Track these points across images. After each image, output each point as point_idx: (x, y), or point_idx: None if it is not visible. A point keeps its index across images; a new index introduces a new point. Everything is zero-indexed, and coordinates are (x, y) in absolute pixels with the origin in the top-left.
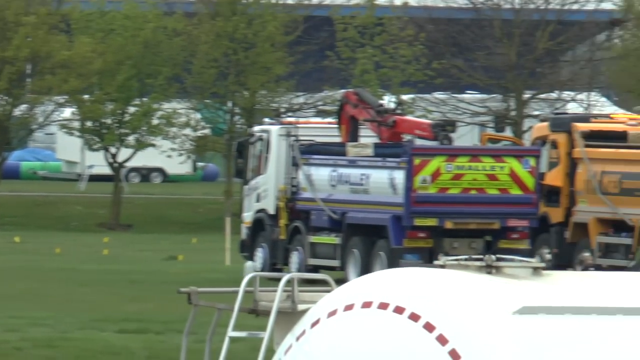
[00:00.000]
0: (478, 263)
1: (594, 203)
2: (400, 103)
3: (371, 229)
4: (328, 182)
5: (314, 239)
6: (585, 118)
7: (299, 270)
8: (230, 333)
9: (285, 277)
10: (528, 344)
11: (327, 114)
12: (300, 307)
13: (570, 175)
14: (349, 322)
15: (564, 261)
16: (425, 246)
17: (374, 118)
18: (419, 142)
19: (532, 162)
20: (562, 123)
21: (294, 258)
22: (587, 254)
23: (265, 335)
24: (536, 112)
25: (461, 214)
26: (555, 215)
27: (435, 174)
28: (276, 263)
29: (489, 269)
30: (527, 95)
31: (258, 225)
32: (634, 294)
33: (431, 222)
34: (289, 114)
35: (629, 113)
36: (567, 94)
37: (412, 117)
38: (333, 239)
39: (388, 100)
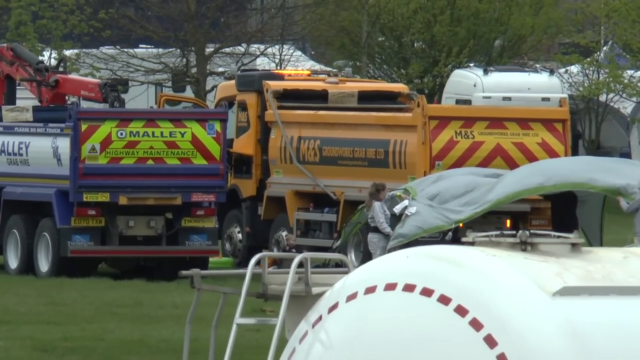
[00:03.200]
0: (511, 239)
1: (290, 173)
2: (62, 59)
3: (33, 206)
4: None
5: None
6: (277, 75)
7: None
8: (238, 320)
9: (298, 258)
10: (570, 328)
11: None
12: (315, 290)
13: (263, 142)
14: (371, 306)
15: (258, 241)
16: (96, 225)
17: (33, 77)
18: (85, 105)
19: (217, 126)
20: (251, 81)
21: None
22: (289, 234)
23: (278, 322)
24: (221, 69)
25: (137, 187)
26: (247, 188)
27: (106, 142)
28: None
29: (523, 245)
30: (209, 49)
31: None
32: None
33: (102, 197)
34: None
35: (329, 69)
36: (255, 47)
37: (77, 75)
38: None
39: (49, 57)
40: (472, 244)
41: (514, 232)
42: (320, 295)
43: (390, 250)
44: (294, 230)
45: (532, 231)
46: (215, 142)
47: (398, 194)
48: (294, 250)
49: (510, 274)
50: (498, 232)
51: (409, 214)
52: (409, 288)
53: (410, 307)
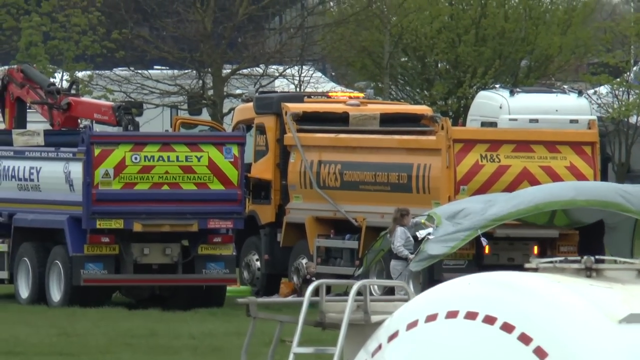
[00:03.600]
0: (575, 265)
1: (310, 199)
2: (74, 81)
3: (45, 233)
4: None
5: None
6: (297, 97)
7: None
8: (295, 349)
9: (357, 285)
10: (636, 356)
11: None
12: (374, 318)
13: (282, 166)
14: (432, 334)
15: (277, 269)
16: (110, 253)
17: (44, 100)
18: (98, 129)
19: (235, 150)
20: (269, 103)
21: None
22: (309, 262)
23: (336, 351)
24: (238, 91)
25: (152, 213)
26: (265, 214)
27: (120, 167)
28: None
29: (588, 272)
30: (226, 70)
31: None
32: None
33: (116, 224)
34: None
35: (350, 91)
36: (274, 69)
37: (90, 98)
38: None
39: (60, 79)
40: (535, 270)
41: (579, 257)
42: (379, 323)
43: (410, 273)
44: (314, 258)
45: (597, 257)
46: (232, 167)
47: (422, 221)
48: (314, 278)
49: (575, 301)
50: (562, 258)
51: (431, 237)
52: (471, 316)
53: (472, 336)
